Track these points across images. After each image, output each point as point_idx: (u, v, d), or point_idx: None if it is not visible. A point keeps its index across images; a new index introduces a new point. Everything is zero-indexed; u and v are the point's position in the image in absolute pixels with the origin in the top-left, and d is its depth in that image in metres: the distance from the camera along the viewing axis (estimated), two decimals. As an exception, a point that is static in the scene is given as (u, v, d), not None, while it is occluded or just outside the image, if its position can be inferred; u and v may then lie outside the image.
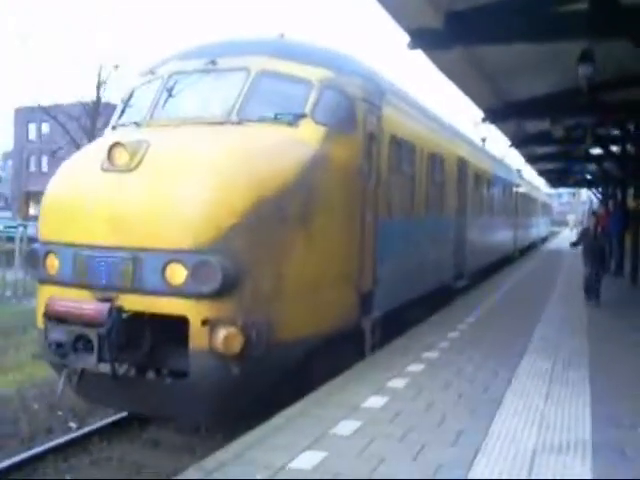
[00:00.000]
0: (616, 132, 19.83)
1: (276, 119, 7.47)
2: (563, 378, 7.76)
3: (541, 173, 41.82)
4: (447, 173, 13.69)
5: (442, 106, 57.12)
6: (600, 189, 40.18)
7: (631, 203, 20.75)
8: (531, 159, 30.91)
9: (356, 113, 8.30)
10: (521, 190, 30.99)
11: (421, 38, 9.20)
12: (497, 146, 29.73)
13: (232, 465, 4.97)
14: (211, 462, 5.04)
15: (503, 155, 29.01)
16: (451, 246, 14.40)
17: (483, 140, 28.80)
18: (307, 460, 5.05)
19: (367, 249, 8.62)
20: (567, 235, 64.36)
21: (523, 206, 32.03)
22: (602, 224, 23.90)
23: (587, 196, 65.64)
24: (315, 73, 7.86)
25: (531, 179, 41.44)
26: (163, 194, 6.57)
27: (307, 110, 7.59)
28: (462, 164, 15.14)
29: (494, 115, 16.88)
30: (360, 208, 8.39)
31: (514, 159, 32.78)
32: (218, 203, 6.50)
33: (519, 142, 23.25)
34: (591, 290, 14.15)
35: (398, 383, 7.34)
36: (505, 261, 25.01)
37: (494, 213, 20.98)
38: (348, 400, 6.66)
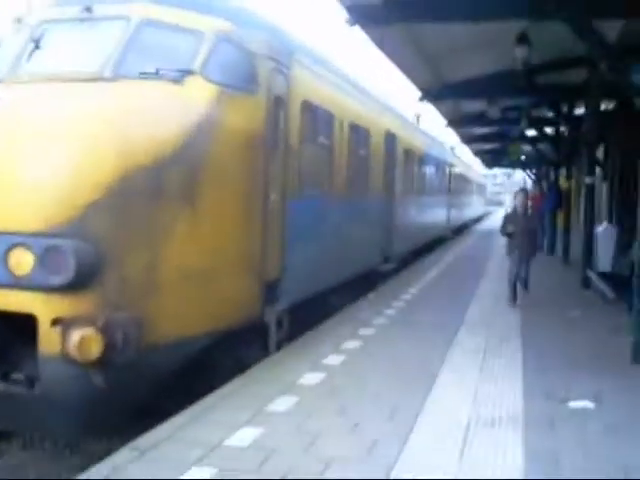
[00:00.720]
0: (551, 114, 20.18)
1: (158, 75, 6.28)
2: (496, 352, 7.92)
3: (477, 153, 42.41)
4: (372, 148, 12.44)
5: (388, 81, 57.49)
6: (534, 170, 41.02)
7: (564, 183, 21.24)
8: (467, 139, 31.32)
9: (258, 72, 7.18)
10: (455, 169, 30.44)
11: (359, 14, 9.15)
12: (435, 124, 29.39)
13: (167, 443, 4.91)
14: (145, 441, 4.96)
15: (439, 133, 28.07)
16: (377, 227, 13.25)
17: (417, 117, 27.55)
18: (243, 437, 5.03)
19: (272, 231, 7.49)
20: (501, 215, 65.77)
21: (457, 185, 31.29)
22: (535, 204, 24.49)
23: (521, 177, 67.01)
24: (208, 23, 6.81)
25: (466, 159, 41.24)
26: (8, 164, 5.46)
27: (196, 65, 6.50)
28: (390, 139, 14.01)
29: (431, 94, 16.98)
30: (263, 184, 7.25)
31: (450, 137, 32.82)
32: (75, 174, 5.39)
33: (456, 122, 23.50)
34: (514, 286, 11.58)
35: (334, 360, 7.38)
36: (438, 242, 24.24)
37: (425, 192, 20.03)
38: (284, 377, 6.66)
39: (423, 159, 19.36)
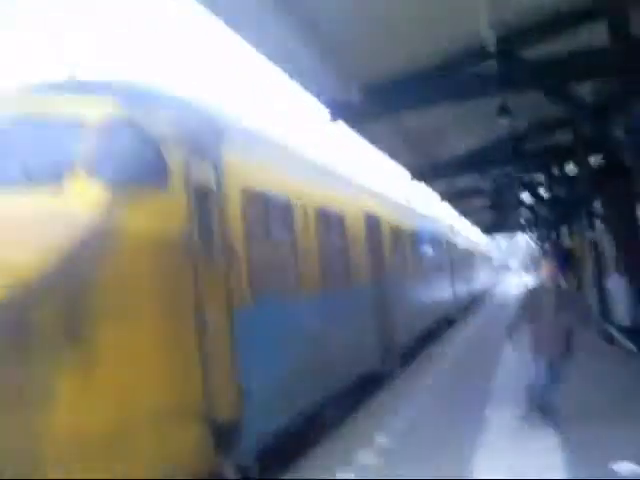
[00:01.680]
0: (542, 177, 20.48)
1: (28, 181, 5.02)
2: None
3: (476, 223, 42.69)
4: (350, 233, 10.57)
5: (380, 165, 57.39)
6: (535, 232, 41.20)
7: (567, 243, 21.34)
8: (464, 212, 31.59)
9: (166, 161, 5.67)
10: (456, 245, 28.84)
11: (341, 111, 9.43)
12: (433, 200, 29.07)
13: None
14: None
15: (437, 210, 27.12)
16: (369, 321, 11.14)
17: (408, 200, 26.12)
18: None
19: (216, 355, 5.71)
20: (511, 281, 65.28)
21: (459, 261, 29.19)
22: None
23: (524, 240, 67.14)
24: (94, 106, 5.60)
25: (466, 231, 39.20)
26: None
27: (79, 162, 5.21)
28: (373, 221, 12.35)
29: (422, 175, 17.28)
30: (192, 297, 5.55)
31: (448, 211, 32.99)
32: None
33: (451, 197, 23.79)
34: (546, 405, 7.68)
35: None
36: (445, 324, 21.71)
37: (423, 273, 18.02)
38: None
39: (416, 238, 17.68)
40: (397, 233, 14.74)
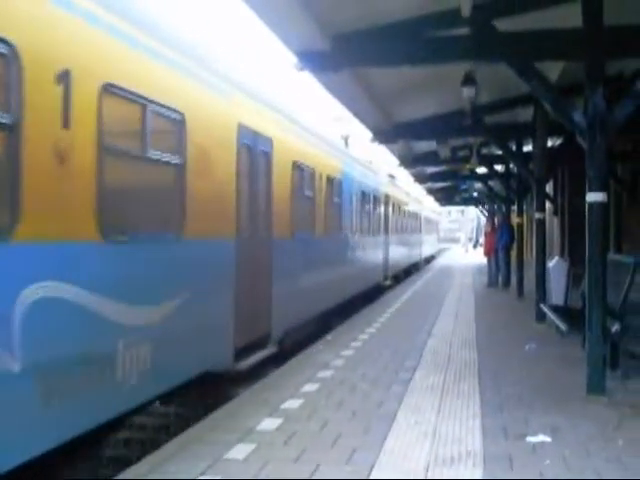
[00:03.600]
0: (499, 152, 20.61)
1: None
2: (453, 390, 7.94)
3: (430, 192, 42.99)
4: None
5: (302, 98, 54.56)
6: (486, 206, 41.71)
7: (515, 219, 21.63)
8: (420, 178, 31.71)
9: None
10: (395, 201, 26.04)
11: (309, 60, 9.29)
12: (390, 165, 28.31)
13: (122, 496, 4.64)
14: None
15: (371, 160, 22.92)
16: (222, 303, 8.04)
17: (345, 139, 20.96)
18: (200, 488, 4.66)
19: None
20: (458, 253, 66.26)
21: (399, 222, 27.30)
22: (489, 240, 24.91)
23: (475, 213, 68.07)
24: None
25: (412, 190, 35.96)
26: None
27: None
28: (250, 141, 8.95)
29: (383, 136, 17.23)
30: None
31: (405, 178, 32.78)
32: None
33: (408, 162, 23.81)
34: None
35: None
36: (371, 293, 19.65)
37: (341, 231, 15.50)
38: (242, 423, 6.60)
39: (338, 184, 15.04)
40: (304, 170, 11.90)
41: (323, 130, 14.94)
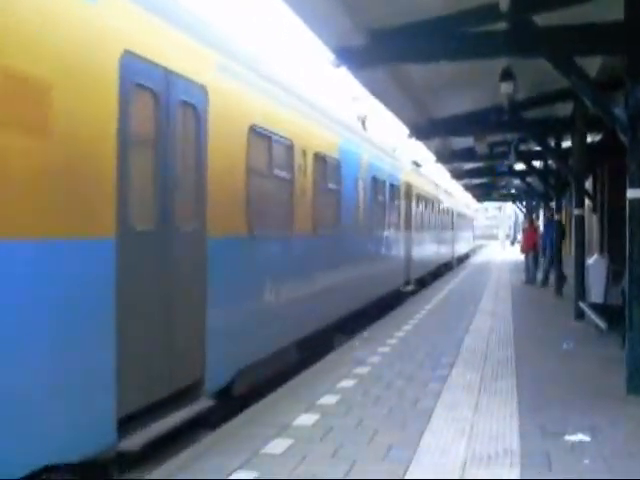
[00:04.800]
0: (538, 148, 20.38)
1: None
2: (491, 388, 7.90)
3: (467, 188, 42.71)
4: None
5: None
6: (524, 203, 41.32)
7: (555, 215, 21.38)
8: (457, 174, 31.52)
9: None
10: (421, 192, 22.86)
11: (345, 57, 9.28)
12: (427, 161, 27.50)
13: (160, 490, 4.68)
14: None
15: (396, 146, 21.03)
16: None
17: (362, 120, 19.27)
18: (237, 481, 4.69)
19: None
20: (496, 250, 65.59)
21: (426, 217, 24.09)
22: (529, 239, 24.54)
23: (512, 210, 67.48)
24: None
25: (443, 182, 32.88)
26: None
27: None
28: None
29: (419, 132, 17.15)
30: None
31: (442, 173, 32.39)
32: None
33: (445, 158, 23.68)
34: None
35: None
36: (386, 302, 16.34)
37: (339, 228, 11.94)
38: (279, 419, 6.63)
39: (334, 166, 11.69)
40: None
41: (315, 91, 11.60)
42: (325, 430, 6.24)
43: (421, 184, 23.41)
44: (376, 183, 15.24)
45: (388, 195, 16.77)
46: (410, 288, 19.88)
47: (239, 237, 7.64)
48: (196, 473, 5.19)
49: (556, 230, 20.58)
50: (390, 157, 17.85)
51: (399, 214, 18.58)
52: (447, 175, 31.87)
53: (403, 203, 19.21)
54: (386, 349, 10.44)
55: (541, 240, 24.17)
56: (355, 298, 13.17)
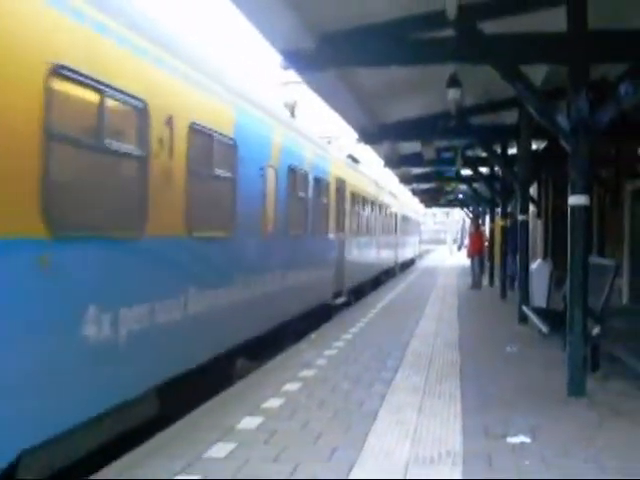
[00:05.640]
0: (484, 154, 20.68)
1: None
2: (435, 390, 7.97)
3: (415, 193, 43.09)
4: None
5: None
6: (471, 208, 41.89)
7: (498, 221, 21.73)
8: (405, 179, 31.77)
9: None
10: (357, 191, 20.59)
11: (294, 59, 9.27)
12: (376, 166, 26.62)
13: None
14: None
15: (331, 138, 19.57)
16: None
17: (291, 107, 16.47)
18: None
19: None
20: (443, 255, 66.32)
21: (363, 218, 21.95)
22: (474, 244, 24.95)
23: (460, 216, 68.33)
24: None
25: (386, 183, 30.53)
26: None
27: None
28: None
29: (368, 136, 17.23)
30: None
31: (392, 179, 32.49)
32: None
33: (393, 163, 23.83)
34: None
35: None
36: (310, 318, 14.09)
37: (233, 230, 9.22)
38: (223, 422, 6.59)
39: (226, 147, 9.03)
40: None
41: (205, 48, 9.26)
42: (269, 433, 6.22)
43: (358, 181, 21.27)
44: (294, 175, 12.66)
45: (312, 190, 14.15)
46: (342, 300, 17.31)
47: (23, 240, 4.86)
48: (136, 476, 5.12)
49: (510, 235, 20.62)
50: (317, 146, 15.27)
51: (327, 214, 15.87)
52: (395, 180, 32.07)
53: (333, 201, 16.56)
54: (322, 362, 10.46)
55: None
56: (256, 321, 10.25)
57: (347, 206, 18.62)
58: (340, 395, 7.76)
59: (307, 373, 8.87)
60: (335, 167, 17.04)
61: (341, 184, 17.70)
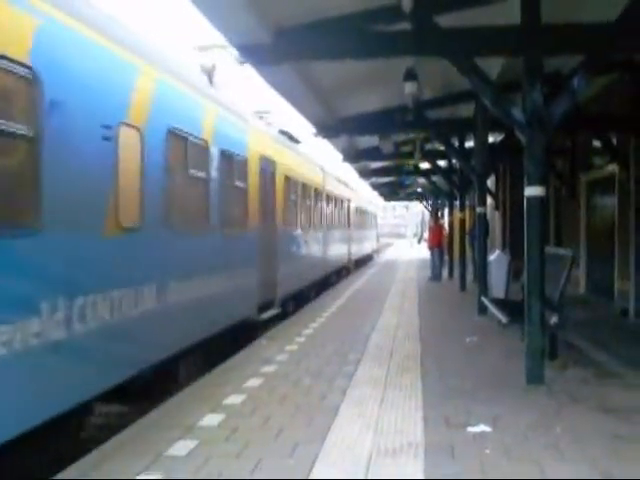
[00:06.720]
0: (442, 147, 20.82)
1: None
2: (396, 382, 8.01)
3: (374, 187, 43.25)
4: None
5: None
6: (430, 201, 42.22)
7: (457, 214, 21.92)
8: (364, 173, 31.86)
9: None
10: (294, 175, 17.26)
11: (249, 54, 9.21)
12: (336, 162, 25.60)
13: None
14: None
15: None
16: None
17: (209, 72, 11.93)
18: (140, 485, 4.51)
19: None
20: (403, 248, 66.68)
21: (302, 209, 18.38)
22: (434, 236, 25.18)
23: (420, 209, 68.81)
24: None
25: (336, 170, 27.70)
26: None
27: None
28: None
29: (326, 130, 17.21)
30: None
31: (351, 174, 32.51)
32: None
33: (351, 157, 23.86)
34: None
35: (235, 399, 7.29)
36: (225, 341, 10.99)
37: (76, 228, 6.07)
38: (184, 420, 6.54)
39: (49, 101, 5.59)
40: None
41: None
42: (231, 430, 6.19)
43: (296, 165, 17.72)
44: (179, 143, 8.89)
45: (216, 169, 10.34)
46: (272, 313, 13.73)
47: None
48: (100, 477, 5.06)
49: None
50: (227, 111, 11.39)
51: (245, 202, 12.22)
52: (355, 174, 32.13)
53: (255, 186, 12.85)
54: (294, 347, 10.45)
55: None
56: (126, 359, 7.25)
57: (279, 194, 15.18)
58: (301, 390, 7.75)
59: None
60: (257, 142, 13.30)
61: (268, 165, 14.15)
